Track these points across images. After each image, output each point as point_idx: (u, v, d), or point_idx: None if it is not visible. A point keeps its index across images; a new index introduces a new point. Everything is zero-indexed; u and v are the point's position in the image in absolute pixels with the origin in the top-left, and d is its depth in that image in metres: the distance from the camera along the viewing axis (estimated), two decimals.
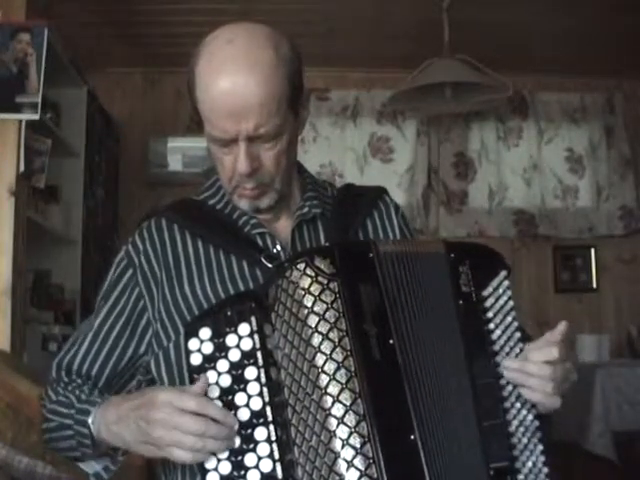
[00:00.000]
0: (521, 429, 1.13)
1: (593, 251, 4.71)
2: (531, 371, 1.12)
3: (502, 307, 1.17)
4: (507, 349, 1.15)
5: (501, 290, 1.18)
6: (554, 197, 4.69)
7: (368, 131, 4.65)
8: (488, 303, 1.16)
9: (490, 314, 1.16)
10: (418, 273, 1.13)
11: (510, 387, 1.14)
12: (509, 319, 1.17)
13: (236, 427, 1.04)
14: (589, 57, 4.36)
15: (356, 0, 3.71)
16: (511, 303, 1.17)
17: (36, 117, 2.74)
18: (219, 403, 1.06)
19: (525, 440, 1.13)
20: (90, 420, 1.15)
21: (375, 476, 0.99)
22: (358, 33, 4.08)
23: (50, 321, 3.28)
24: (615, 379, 3.60)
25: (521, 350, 1.15)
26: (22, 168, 2.72)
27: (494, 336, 1.15)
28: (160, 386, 1.20)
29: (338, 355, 1.03)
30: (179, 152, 4.39)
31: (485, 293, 1.17)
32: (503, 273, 1.19)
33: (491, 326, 1.15)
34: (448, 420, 1.07)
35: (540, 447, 1.13)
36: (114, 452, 1.18)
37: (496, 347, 1.15)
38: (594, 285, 4.71)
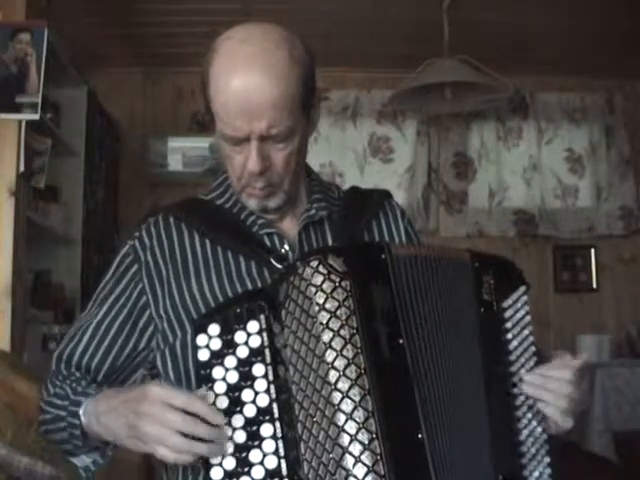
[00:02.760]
0: (530, 439, 1.15)
1: (593, 251, 4.72)
2: (551, 387, 1.14)
3: (520, 320, 1.20)
4: (522, 360, 1.17)
5: (520, 304, 1.21)
6: (554, 197, 4.70)
7: (368, 131, 4.66)
8: (507, 314, 1.19)
9: (509, 324, 1.18)
10: (440, 277, 1.14)
11: (523, 397, 1.16)
12: (526, 332, 1.19)
13: (227, 430, 1.03)
14: (589, 57, 4.36)
15: (356, 0, 3.71)
16: (528, 318, 1.20)
17: (36, 117, 2.74)
18: (225, 400, 1.05)
19: (533, 450, 1.15)
20: (81, 411, 1.16)
21: (382, 473, 0.99)
22: (358, 33, 4.08)
23: (50, 321, 3.28)
24: (615, 379, 3.60)
25: (535, 364, 1.18)
26: (22, 168, 2.72)
27: (511, 346, 1.17)
28: (153, 381, 1.21)
29: (348, 352, 1.03)
30: (179, 152, 4.39)
31: (505, 305, 1.19)
32: (523, 288, 1.22)
33: (509, 336, 1.18)
34: (457, 421, 1.08)
35: (547, 459, 1.15)
36: (104, 445, 1.18)
37: (512, 357, 1.17)
38: (594, 285, 4.71)
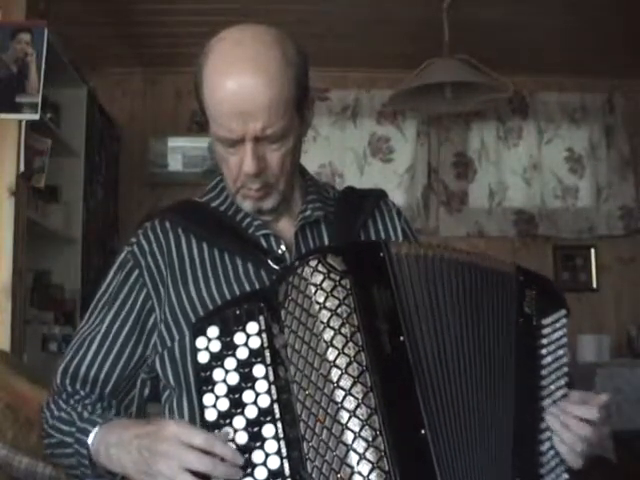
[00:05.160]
0: (551, 452, 1.15)
1: (593, 251, 4.72)
2: (570, 425, 1.14)
3: (557, 340, 1.21)
4: (553, 377, 1.18)
5: (558, 325, 1.22)
6: (554, 197, 4.69)
7: (368, 131, 4.66)
8: (545, 331, 1.20)
9: (545, 341, 1.19)
10: (454, 279, 1.14)
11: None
12: (561, 352, 1.20)
13: (241, 463, 1.02)
14: (589, 57, 4.36)
15: (356, 0, 3.71)
16: (565, 340, 1.21)
17: (36, 117, 2.74)
18: (226, 402, 1.05)
19: (553, 464, 1.15)
20: (90, 441, 1.15)
21: (386, 469, 0.99)
22: (358, 33, 4.08)
23: (50, 321, 3.28)
24: (615, 379, 3.60)
25: (566, 384, 1.18)
26: (22, 168, 2.72)
27: (544, 362, 1.18)
28: (170, 419, 1.20)
29: (350, 350, 1.03)
30: (179, 152, 4.40)
31: (544, 322, 1.20)
32: (563, 311, 1.23)
33: (543, 352, 1.19)
34: (467, 419, 1.08)
35: (565, 476, 1.16)
36: (112, 477, 1.16)
37: (544, 372, 1.18)
38: (594, 285, 4.71)
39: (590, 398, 1.17)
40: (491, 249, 4.41)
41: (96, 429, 1.15)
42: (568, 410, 1.15)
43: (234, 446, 1.03)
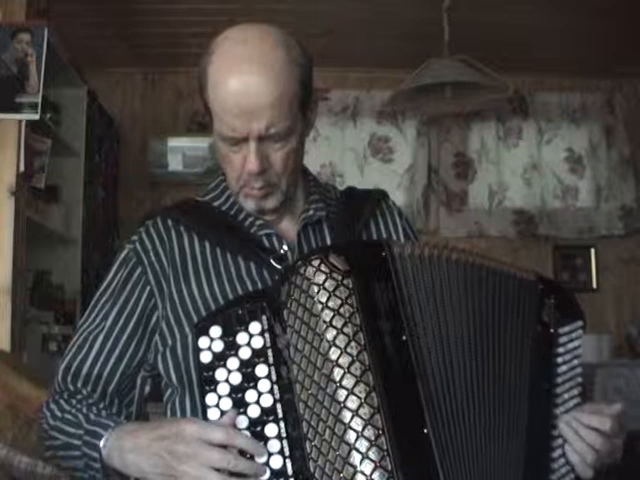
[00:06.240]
0: (562, 460, 1.15)
1: (593, 251, 4.71)
2: (584, 436, 1.14)
3: (573, 350, 1.22)
4: (567, 386, 1.19)
5: (574, 335, 1.23)
6: (554, 197, 4.70)
7: (368, 131, 4.66)
8: (562, 340, 1.21)
9: (561, 349, 1.20)
10: (461, 279, 1.14)
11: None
12: (575, 362, 1.21)
13: (266, 458, 1.03)
14: (589, 57, 4.36)
15: (356, 0, 3.71)
16: (580, 351, 1.22)
17: (36, 117, 2.74)
18: (228, 402, 1.05)
19: (564, 471, 1.15)
20: (102, 444, 1.13)
21: (389, 468, 0.99)
22: (358, 33, 4.08)
23: (50, 321, 3.28)
24: (615, 379, 3.60)
25: (579, 393, 1.19)
26: (22, 168, 2.72)
27: (559, 370, 1.19)
28: (185, 418, 1.19)
29: (352, 349, 1.03)
30: (179, 152, 4.39)
31: (561, 331, 1.21)
32: (580, 323, 1.24)
33: (559, 360, 1.20)
34: (472, 417, 1.08)
35: None
36: (123, 479, 1.15)
37: (559, 380, 1.19)
38: (594, 285, 4.71)
39: (603, 408, 1.17)
40: (491, 249, 4.42)
41: (107, 433, 1.14)
42: (581, 420, 1.15)
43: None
